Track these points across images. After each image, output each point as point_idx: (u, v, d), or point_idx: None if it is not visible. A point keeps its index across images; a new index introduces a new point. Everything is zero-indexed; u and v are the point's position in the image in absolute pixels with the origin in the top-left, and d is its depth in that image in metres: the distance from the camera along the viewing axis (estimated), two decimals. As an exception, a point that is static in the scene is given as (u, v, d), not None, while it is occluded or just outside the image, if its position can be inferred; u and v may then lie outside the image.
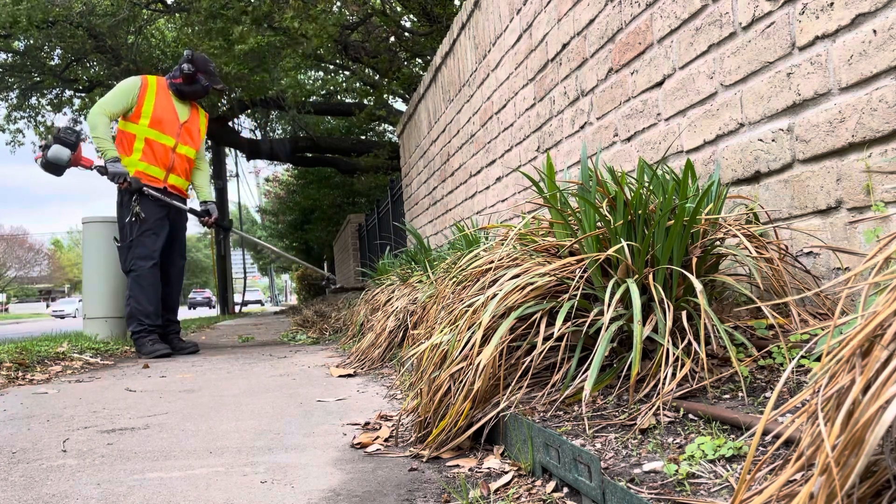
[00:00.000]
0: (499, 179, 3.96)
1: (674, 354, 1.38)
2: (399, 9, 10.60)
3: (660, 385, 1.35)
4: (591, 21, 2.66)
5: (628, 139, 2.46)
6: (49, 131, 15.21)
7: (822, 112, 1.56)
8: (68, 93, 14.53)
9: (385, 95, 12.29)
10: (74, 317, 34.60)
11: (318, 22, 7.97)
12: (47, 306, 54.47)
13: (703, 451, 1.08)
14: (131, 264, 4.71)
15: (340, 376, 3.09)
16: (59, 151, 4.60)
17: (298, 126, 15.89)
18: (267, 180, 28.31)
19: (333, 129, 17.36)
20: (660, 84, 2.23)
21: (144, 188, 4.64)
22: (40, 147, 4.76)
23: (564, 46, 2.92)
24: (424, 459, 1.55)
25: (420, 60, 11.11)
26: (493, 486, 1.31)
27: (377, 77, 12.09)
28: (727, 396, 1.32)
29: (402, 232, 8.13)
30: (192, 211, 5.05)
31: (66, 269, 62.37)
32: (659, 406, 1.31)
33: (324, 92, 14.49)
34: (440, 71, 5.28)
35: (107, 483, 1.50)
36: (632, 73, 2.40)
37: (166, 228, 4.80)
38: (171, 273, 4.99)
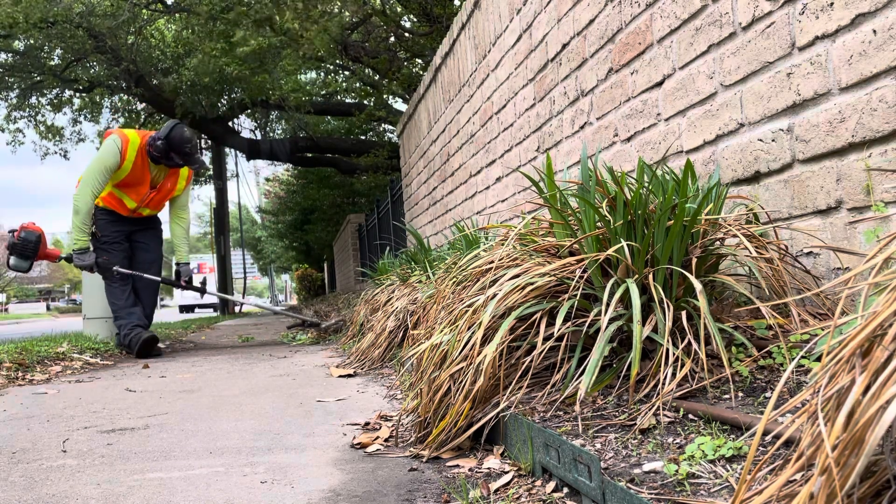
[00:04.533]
0: (499, 179, 3.96)
1: (674, 354, 1.38)
2: (399, 9, 10.60)
3: (660, 385, 1.35)
4: (591, 21, 2.66)
5: (628, 139, 2.46)
6: (50, 130, 15.20)
7: (822, 112, 1.56)
8: (68, 92, 14.53)
9: (385, 96, 12.30)
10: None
11: (318, 24, 7.97)
12: (48, 308, 54.40)
13: (703, 451, 1.08)
14: (102, 272, 4.89)
15: (340, 376, 3.09)
16: (19, 263, 4.85)
17: (298, 126, 15.90)
18: (267, 180, 28.31)
19: (333, 130, 17.36)
20: (660, 84, 2.23)
21: (116, 269, 4.78)
22: (10, 239, 4.92)
23: (564, 46, 2.93)
24: (424, 459, 1.55)
25: (420, 60, 11.11)
26: (493, 486, 1.31)
27: (377, 77, 12.10)
28: (727, 396, 1.32)
29: (402, 232, 8.13)
30: (165, 280, 5.16)
31: (66, 269, 62.29)
32: (659, 406, 1.31)
33: (324, 92, 14.50)
34: (440, 71, 5.28)
35: (107, 483, 1.50)
36: (632, 73, 2.40)
37: (124, 245, 4.93)
38: (138, 287, 5.00)
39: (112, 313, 4.87)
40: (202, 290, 5.43)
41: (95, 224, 4.80)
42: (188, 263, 5.22)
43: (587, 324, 1.54)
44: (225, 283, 19.24)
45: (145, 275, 4.96)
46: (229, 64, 9.15)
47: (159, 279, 5.10)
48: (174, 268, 5.21)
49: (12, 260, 4.78)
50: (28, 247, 4.77)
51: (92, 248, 4.75)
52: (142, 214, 4.99)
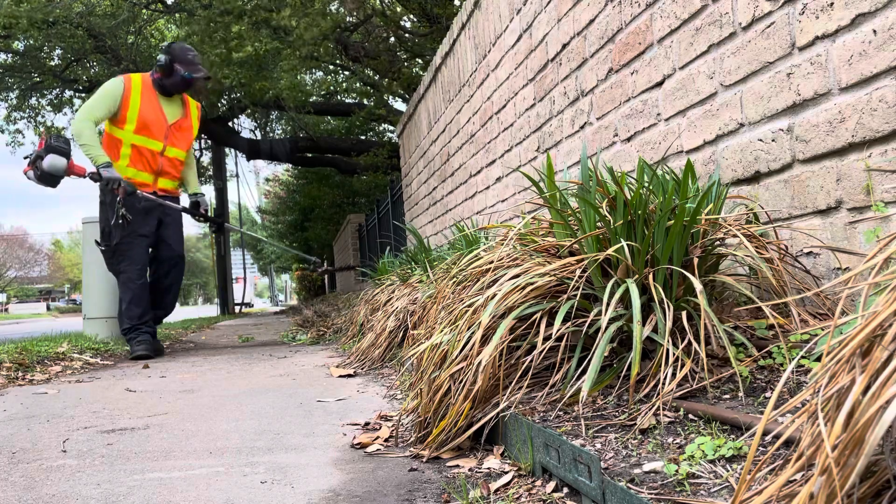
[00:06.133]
0: (499, 179, 3.96)
1: (674, 354, 1.38)
2: (399, 9, 10.60)
3: (660, 385, 1.35)
4: (591, 21, 2.66)
5: (628, 139, 2.46)
6: (49, 131, 15.20)
7: (822, 112, 1.56)
8: (68, 93, 14.54)
9: (385, 96, 12.30)
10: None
11: (315, 22, 7.95)
12: (48, 308, 54.46)
13: (703, 451, 1.08)
14: (119, 267, 4.63)
15: (340, 376, 3.09)
16: (56, 161, 4.33)
17: (298, 126, 15.90)
18: (267, 180, 28.32)
19: (333, 130, 17.37)
20: (660, 84, 2.23)
21: (138, 192, 4.52)
22: (27, 159, 4.43)
23: (564, 46, 2.93)
24: (424, 459, 1.55)
25: (420, 61, 11.12)
26: (493, 486, 1.31)
27: (377, 77, 12.10)
28: (727, 396, 1.32)
29: (402, 232, 8.13)
30: (185, 209, 4.91)
31: (66, 269, 62.36)
32: (659, 406, 1.31)
33: (324, 92, 14.50)
34: (440, 71, 5.28)
35: (107, 483, 1.50)
36: (632, 73, 2.40)
37: (153, 232, 4.70)
38: (164, 283, 4.85)
39: (123, 315, 4.67)
40: (220, 223, 5.16)
41: (125, 205, 4.45)
42: (203, 195, 5.05)
43: (587, 324, 1.54)
44: (225, 282, 19.24)
45: (170, 203, 4.70)
46: (227, 77, 9.15)
47: (179, 207, 4.84)
48: (190, 200, 4.99)
49: (48, 160, 4.27)
50: (62, 146, 4.34)
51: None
52: (169, 158, 4.70)
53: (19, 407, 2.61)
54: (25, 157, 4.52)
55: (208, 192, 20.10)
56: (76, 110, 15.17)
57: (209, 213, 5.04)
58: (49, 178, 4.42)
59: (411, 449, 1.64)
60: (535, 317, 1.60)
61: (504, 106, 3.78)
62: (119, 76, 4.66)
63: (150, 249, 4.80)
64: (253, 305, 28.21)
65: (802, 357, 1.30)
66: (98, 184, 4.51)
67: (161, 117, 4.64)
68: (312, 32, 8.05)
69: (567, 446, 1.18)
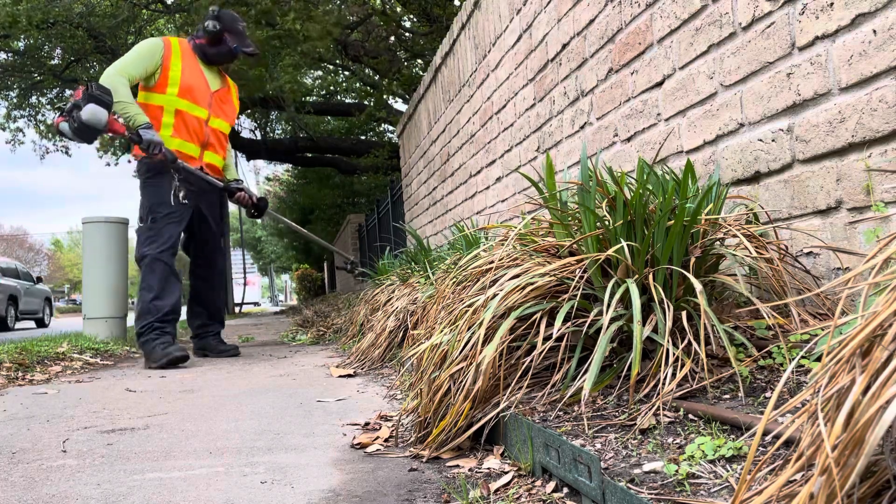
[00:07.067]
0: (499, 179, 3.96)
1: (674, 354, 1.38)
2: (399, 9, 10.61)
3: (660, 385, 1.35)
4: (591, 21, 2.66)
5: (628, 139, 2.46)
6: (50, 129, 15.20)
7: (822, 112, 1.56)
8: (68, 92, 14.53)
9: (385, 96, 12.31)
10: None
11: (319, 23, 7.97)
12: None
13: (703, 451, 1.08)
14: (145, 250, 4.01)
15: (340, 376, 3.09)
16: (97, 111, 3.66)
17: (298, 126, 15.90)
18: (268, 179, 28.34)
19: (333, 130, 17.38)
20: (660, 84, 2.23)
21: (180, 162, 3.94)
22: (61, 111, 3.86)
23: (564, 46, 2.93)
24: (424, 460, 1.55)
25: (420, 61, 11.13)
26: (493, 486, 1.31)
27: (377, 77, 12.12)
28: (727, 396, 1.32)
29: (402, 232, 8.14)
30: (227, 188, 4.36)
31: (66, 269, 62.36)
32: (659, 406, 1.31)
33: (323, 92, 14.51)
34: (440, 71, 5.28)
35: (107, 483, 1.50)
36: (632, 74, 2.40)
37: (189, 215, 4.14)
38: (212, 276, 4.45)
39: (143, 314, 3.94)
40: (263, 208, 4.58)
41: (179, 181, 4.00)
42: (242, 181, 4.52)
43: (587, 324, 1.54)
44: (224, 282, 19.23)
45: (215, 181, 4.17)
46: None
47: (222, 185, 4.26)
48: (228, 185, 4.40)
49: (88, 110, 3.61)
50: (104, 97, 3.72)
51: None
52: (214, 130, 4.19)
53: (19, 407, 2.61)
54: (58, 108, 4.09)
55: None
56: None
57: (252, 199, 4.47)
58: (87, 132, 3.75)
59: (411, 449, 1.64)
60: (535, 317, 1.60)
61: (504, 106, 3.78)
62: (157, 37, 4.16)
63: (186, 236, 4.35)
64: (260, 304, 28.54)
65: (802, 357, 1.30)
66: (139, 145, 3.87)
67: (204, 83, 4.14)
68: (325, 42, 8.04)
69: (567, 446, 1.18)
